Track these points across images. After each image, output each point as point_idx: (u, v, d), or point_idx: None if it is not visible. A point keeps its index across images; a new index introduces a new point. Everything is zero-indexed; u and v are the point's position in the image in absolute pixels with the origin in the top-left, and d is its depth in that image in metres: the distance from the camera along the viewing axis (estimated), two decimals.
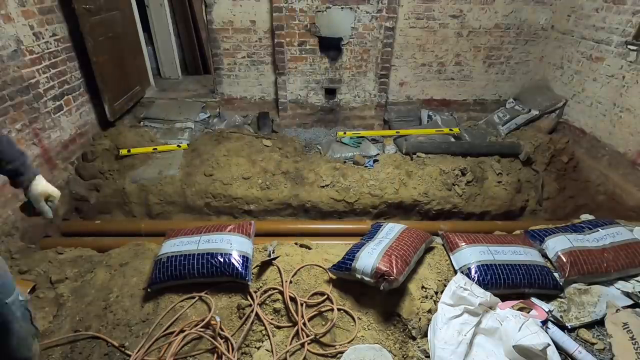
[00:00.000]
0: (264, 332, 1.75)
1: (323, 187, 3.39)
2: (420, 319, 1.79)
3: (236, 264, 1.86)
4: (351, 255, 1.89)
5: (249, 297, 1.87)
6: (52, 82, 3.07)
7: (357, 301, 1.89)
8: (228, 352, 1.64)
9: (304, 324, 1.74)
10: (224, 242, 1.95)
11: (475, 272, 1.91)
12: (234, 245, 1.94)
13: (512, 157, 3.82)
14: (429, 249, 2.18)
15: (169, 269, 1.85)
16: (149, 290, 1.88)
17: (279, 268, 1.97)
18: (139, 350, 1.65)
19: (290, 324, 1.79)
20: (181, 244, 1.96)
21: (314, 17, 3.86)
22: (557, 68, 4.16)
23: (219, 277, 1.87)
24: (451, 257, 2.09)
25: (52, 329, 1.81)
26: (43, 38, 2.94)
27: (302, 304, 1.81)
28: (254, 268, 2.01)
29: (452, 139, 4.05)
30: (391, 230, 2.09)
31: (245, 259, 1.91)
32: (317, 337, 1.70)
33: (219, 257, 1.86)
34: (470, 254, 2.00)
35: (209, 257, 1.86)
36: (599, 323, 1.87)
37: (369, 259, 1.81)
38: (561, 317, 1.85)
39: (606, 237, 2.15)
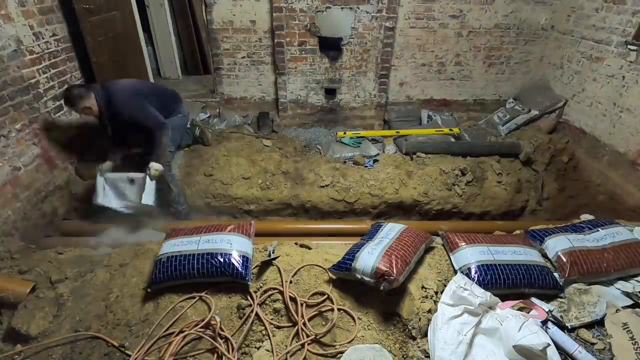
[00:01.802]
0: (264, 332, 1.75)
1: (323, 187, 3.39)
2: (420, 319, 1.79)
3: (236, 264, 1.86)
4: (351, 255, 1.89)
5: (249, 297, 1.87)
6: (52, 82, 3.07)
7: (357, 301, 1.89)
8: (228, 352, 1.64)
9: (304, 324, 1.74)
10: (224, 242, 1.95)
11: (475, 272, 1.91)
12: (234, 245, 1.94)
13: (512, 157, 3.82)
14: (429, 249, 2.18)
15: (169, 269, 1.85)
16: (149, 290, 1.88)
17: (279, 268, 1.97)
18: (139, 350, 1.65)
19: (290, 324, 1.79)
20: (181, 244, 1.96)
21: (314, 17, 3.85)
22: (557, 68, 4.16)
23: (219, 277, 1.87)
24: (451, 257, 2.09)
25: (52, 329, 1.81)
26: (43, 38, 2.94)
27: (302, 304, 1.81)
28: (254, 268, 2.01)
29: (452, 139, 4.04)
30: (391, 230, 2.09)
31: (245, 259, 1.91)
32: (317, 337, 1.70)
33: (219, 257, 1.86)
34: (470, 254, 2.00)
35: (209, 257, 1.86)
36: (599, 323, 1.87)
37: (369, 259, 1.81)
38: (561, 317, 1.85)
39: (606, 237, 2.15)
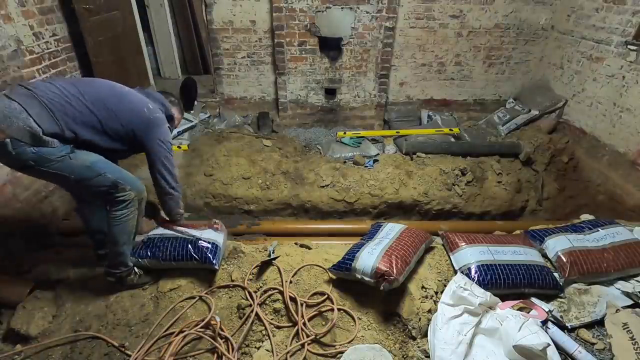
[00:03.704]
0: (264, 332, 1.75)
1: (323, 187, 3.39)
2: (420, 319, 1.79)
3: (205, 250, 1.95)
4: (351, 255, 1.89)
5: (249, 297, 1.87)
6: None
7: (357, 301, 1.89)
8: (228, 352, 1.64)
9: (304, 324, 1.74)
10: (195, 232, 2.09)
11: (475, 272, 1.90)
12: (204, 235, 2.05)
13: (512, 157, 3.82)
14: (429, 249, 2.18)
15: (152, 248, 1.98)
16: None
17: (279, 268, 1.97)
18: (139, 350, 1.65)
19: (290, 324, 1.79)
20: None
21: (314, 17, 3.86)
22: (557, 68, 4.16)
23: (189, 262, 1.94)
24: (451, 257, 2.09)
25: (52, 329, 1.81)
26: (43, 38, 2.94)
27: (302, 304, 1.81)
28: (254, 268, 2.01)
29: (452, 139, 4.05)
30: (391, 230, 2.09)
31: (214, 247, 1.99)
32: (317, 337, 1.70)
33: (190, 244, 1.98)
34: (470, 254, 2.00)
35: (182, 242, 1.98)
36: (599, 323, 1.87)
37: (369, 259, 1.81)
38: (561, 317, 1.85)
39: (606, 237, 2.15)
